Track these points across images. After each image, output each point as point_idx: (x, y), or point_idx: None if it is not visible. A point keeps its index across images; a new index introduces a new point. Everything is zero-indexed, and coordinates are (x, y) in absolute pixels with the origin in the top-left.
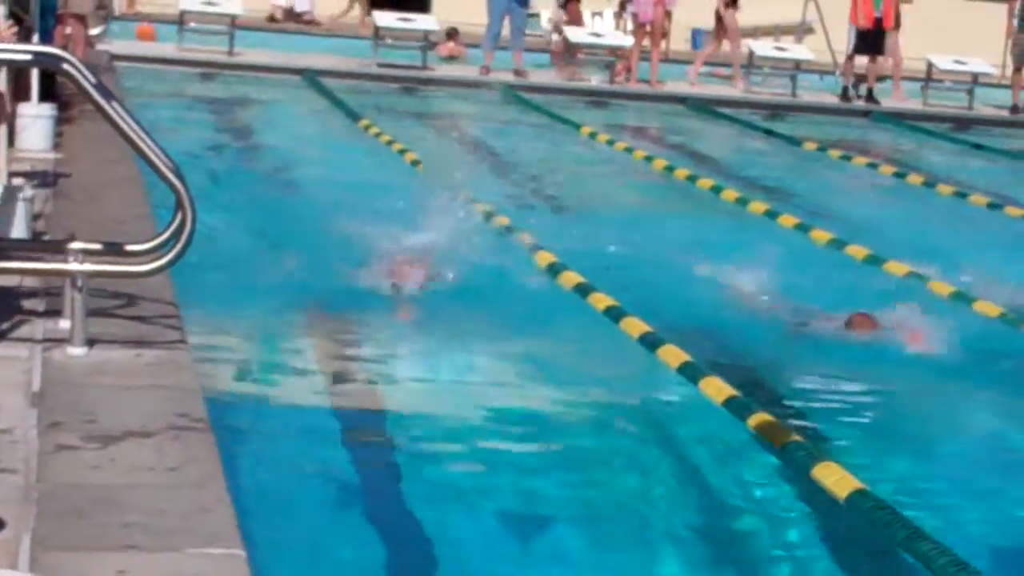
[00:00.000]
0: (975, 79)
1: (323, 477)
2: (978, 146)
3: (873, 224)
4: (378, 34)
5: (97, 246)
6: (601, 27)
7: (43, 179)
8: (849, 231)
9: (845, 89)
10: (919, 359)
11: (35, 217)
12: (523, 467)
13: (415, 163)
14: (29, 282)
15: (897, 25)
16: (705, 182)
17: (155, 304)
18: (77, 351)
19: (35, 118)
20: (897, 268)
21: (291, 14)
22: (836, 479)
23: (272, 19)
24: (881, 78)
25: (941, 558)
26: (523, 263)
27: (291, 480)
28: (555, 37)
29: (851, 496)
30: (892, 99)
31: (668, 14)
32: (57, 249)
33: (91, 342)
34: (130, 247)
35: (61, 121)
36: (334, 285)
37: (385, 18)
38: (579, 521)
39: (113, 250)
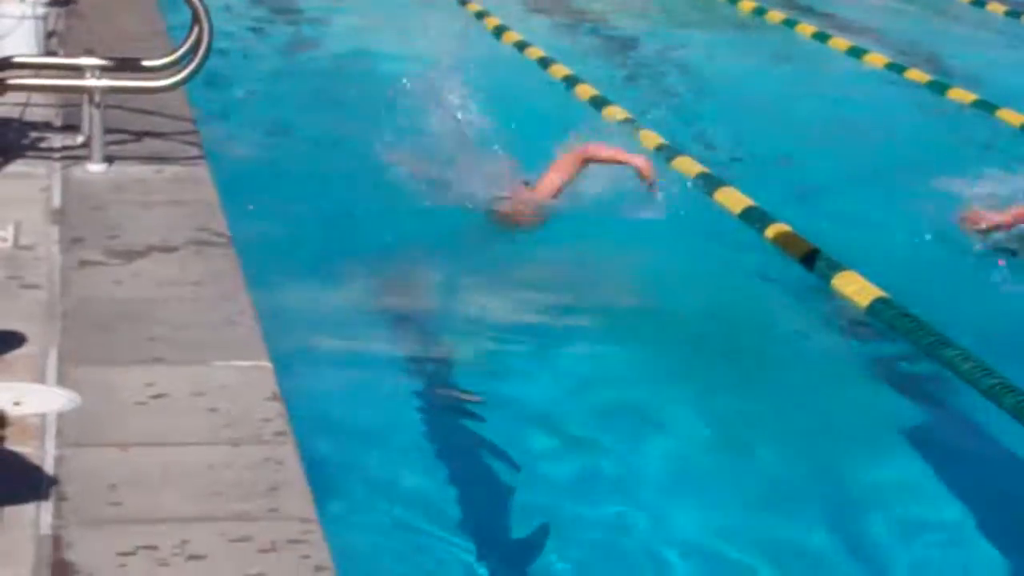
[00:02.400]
0: None
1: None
2: None
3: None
4: None
5: (113, 62)
6: None
7: None
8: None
9: None
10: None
11: (49, 35)
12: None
13: None
14: (44, 99)
15: None
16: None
17: (173, 121)
18: (96, 168)
19: None
20: (962, 95)
21: None
22: (857, 288)
23: None
24: None
25: (965, 364)
26: (537, 76)
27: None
28: None
29: (873, 304)
30: None
31: None
32: (74, 66)
33: (110, 159)
34: (146, 63)
35: None
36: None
37: None
38: None
39: (129, 66)
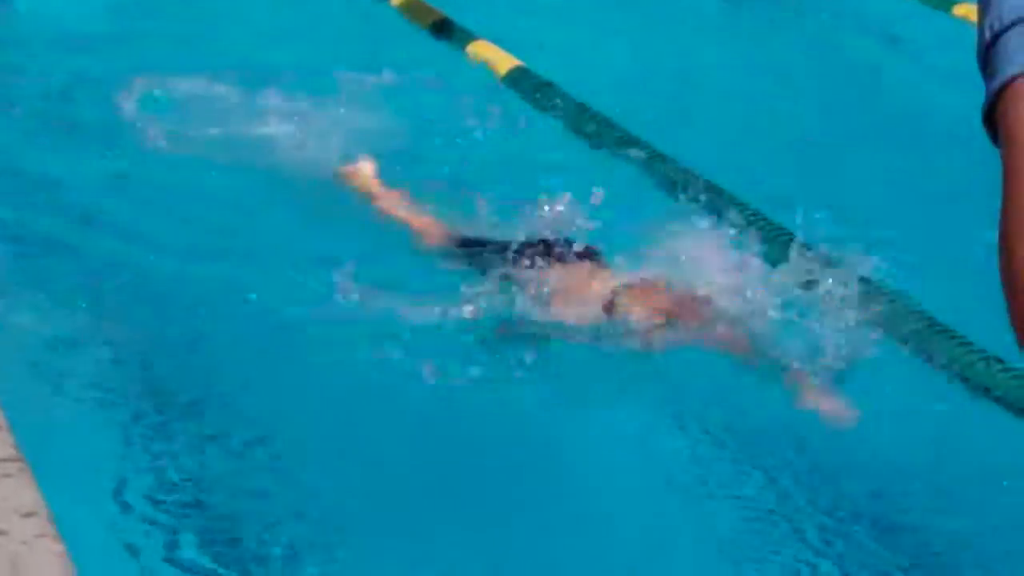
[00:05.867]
0: None
1: None
2: None
3: None
4: None
5: None
6: None
7: None
8: None
9: None
10: None
11: None
12: None
13: None
14: None
15: None
16: None
17: None
18: None
19: None
20: None
21: None
22: (493, 56)
23: None
24: None
25: (591, 124)
26: None
27: None
28: None
29: (511, 73)
30: None
31: None
32: None
33: None
34: None
35: None
36: None
37: None
38: None
39: None
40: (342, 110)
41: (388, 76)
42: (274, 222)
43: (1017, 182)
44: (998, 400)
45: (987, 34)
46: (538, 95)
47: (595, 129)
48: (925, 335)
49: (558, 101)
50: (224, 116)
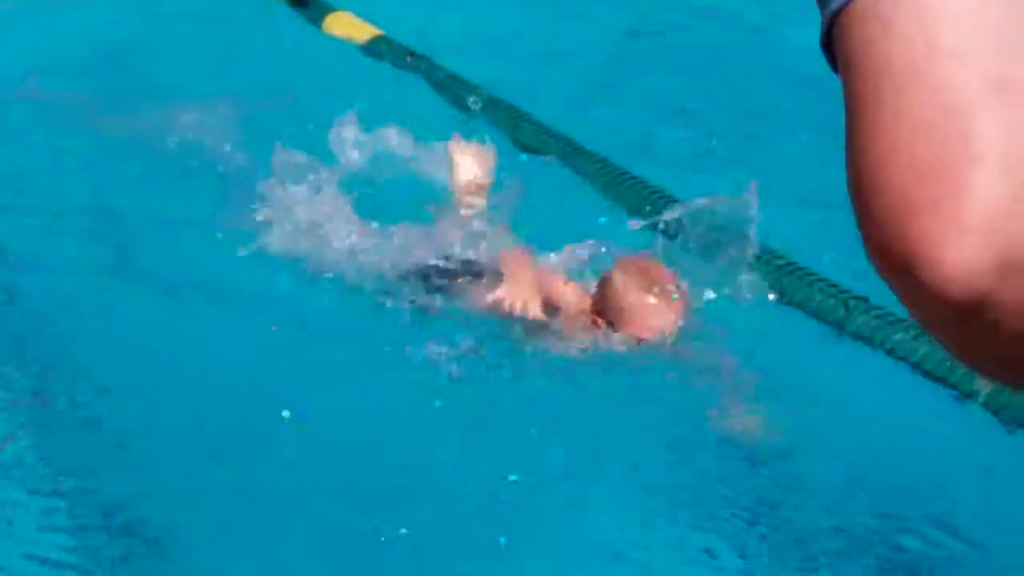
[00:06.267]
0: None
1: None
2: None
3: None
4: None
5: None
6: None
7: None
8: None
9: None
10: None
11: None
12: None
13: None
14: None
15: None
16: None
17: None
18: None
19: None
20: None
21: None
22: (352, 27)
23: None
24: None
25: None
26: None
27: None
28: None
29: (372, 42)
30: None
31: None
32: None
33: None
34: None
35: None
36: None
37: None
38: None
39: None
40: (221, 102)
41: (254, 57)
42: (158, 222)
43: (857, 108)
44: (860, 338)
45: None
46: (400, 64)
47: (457, 93)
48: (785, 278)
49: (422, 66)
50: (102, 118)
